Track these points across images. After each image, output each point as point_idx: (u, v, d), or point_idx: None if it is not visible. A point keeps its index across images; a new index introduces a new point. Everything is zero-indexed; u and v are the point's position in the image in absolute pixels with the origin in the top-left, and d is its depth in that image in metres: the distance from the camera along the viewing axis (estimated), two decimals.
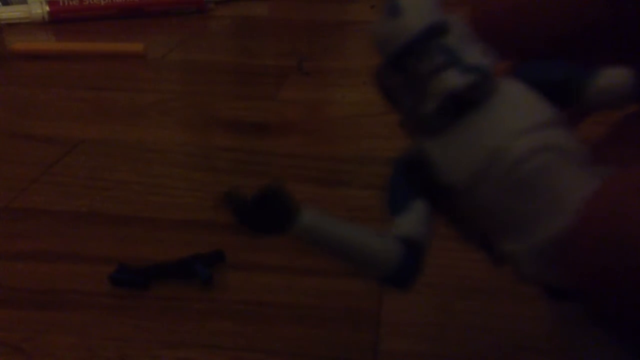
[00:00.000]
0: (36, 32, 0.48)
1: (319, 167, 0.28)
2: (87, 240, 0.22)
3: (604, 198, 0.09)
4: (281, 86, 0.38)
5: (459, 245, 0.21)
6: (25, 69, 0.41)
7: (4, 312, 0.19)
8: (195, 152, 0.30)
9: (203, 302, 0.19)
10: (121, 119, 0.33)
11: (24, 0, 0.50)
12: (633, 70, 0.10)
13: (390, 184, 0.11)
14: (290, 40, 0.48)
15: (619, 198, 0.09)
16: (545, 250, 0.10)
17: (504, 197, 0.10)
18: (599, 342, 0.10)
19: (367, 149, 0.30)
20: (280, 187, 0.10)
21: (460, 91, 0.10)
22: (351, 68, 0.41)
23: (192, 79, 0.41)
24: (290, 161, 0.29)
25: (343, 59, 0.44)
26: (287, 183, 0.30)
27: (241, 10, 0.56)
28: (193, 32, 0.50)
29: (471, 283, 0.20)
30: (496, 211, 0.10)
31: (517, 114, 0.10)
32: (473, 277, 0.20)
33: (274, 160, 0.29)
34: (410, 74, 0.10)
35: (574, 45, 0.12)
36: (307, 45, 0.46)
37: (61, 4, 0.50)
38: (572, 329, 0.10)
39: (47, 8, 0.49)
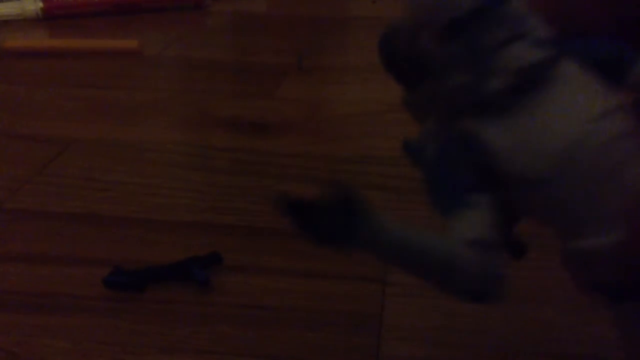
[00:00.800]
0: (30, 29, 0.48)
1: (318, 167, 0.28)
2: (81, 243, 0.22)
3: None
4: (280, 84, 0.37)
5: None
6: (18, 67, 0.40)
7: None
8: (193, 152, 0.29)
9: (200, 306, 0.19)
10: (116, 117, 0.33)
11: None
12: None
13: (433, 177, 0.09)
14: (289, 36, 0.47)
15: None
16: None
17: (587, 188, 0.09)
18: None
19: (367, 148, 0.29)
20: (350, 193, 0.08)
21: (533, 67, 0.09)
22: (352, 65, 0.40)
23: (189, 77, 0.40)
24: (289, 161, 0.28)
25: (343, 55, 0.43)
26: (286, 183, 0.29)
27: (239, 6, 0.55)
28: (190, 29, 0.49)
29: None
30: (576, 204, 0.09)
31: (588, 97, 0.09)
32: None
33: (273, 160, 0.28)
34: (469, 45, 0.09)
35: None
36: (307, 42, 0.46)
37: (55, 0, 0.49)
38: (634, 331, 0.10)
39: (41, 4, 0.49)
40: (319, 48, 0.44)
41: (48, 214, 0.24)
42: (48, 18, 0.49)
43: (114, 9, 0.51)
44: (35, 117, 0.33)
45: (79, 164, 0.28)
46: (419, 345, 0.18)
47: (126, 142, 0.30)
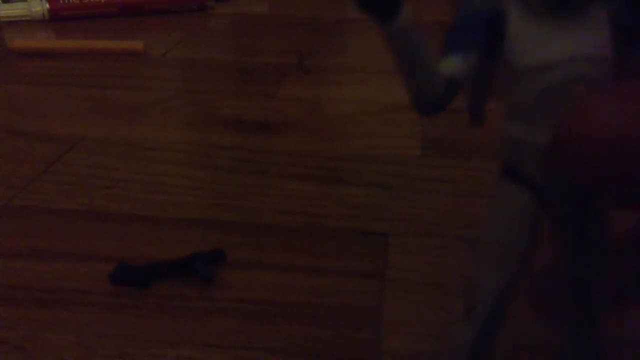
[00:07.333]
0: (36, 30, 0.48)
1: (319, 165, 0.28)
2: (87, 239, 0.22)
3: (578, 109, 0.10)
4: (281, 84, 0.38)
5: (460, 244, 0.21)
6: (25, 67, 0.41)
7: (5, 310, 0.19)
8: (196, 151, 0.30)
9: (203, 301, 0.19)
10: (121, 117, 0.33)
11: None
12: None
13: (456, 24, 0.11)
14: (291, 37, 0.48)
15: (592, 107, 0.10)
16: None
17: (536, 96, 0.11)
18: None
19: (367, 147, 0.29)
20: None
21: None
22: (352, 66, 0.41)
23: (192, 77, 0.40)
24: (290, 159, 0.29)
25: (344, 56, 0.44)
26: (287, 181, 0.30)
27: (241, 8, 0.56)
28: (193, 30, 0.49)
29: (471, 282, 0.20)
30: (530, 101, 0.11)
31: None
32: None
33: (274, 159, 0.29)
34: None
35: None
36: (308, 42, 0.46)
37: (61, 1, 0.50)
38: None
39: (47, 6, 0.49)
40: (319, 49, 0.45)
41: (55, 211, 0.24)
42: (54, 19, 0.50)
43: (119, 11, 0.52)
44: (42, 116, 0.33)
45: (84, 162, 0.28)
46: (418, 340, 0.18)
47: (131, 140, 0.30)
